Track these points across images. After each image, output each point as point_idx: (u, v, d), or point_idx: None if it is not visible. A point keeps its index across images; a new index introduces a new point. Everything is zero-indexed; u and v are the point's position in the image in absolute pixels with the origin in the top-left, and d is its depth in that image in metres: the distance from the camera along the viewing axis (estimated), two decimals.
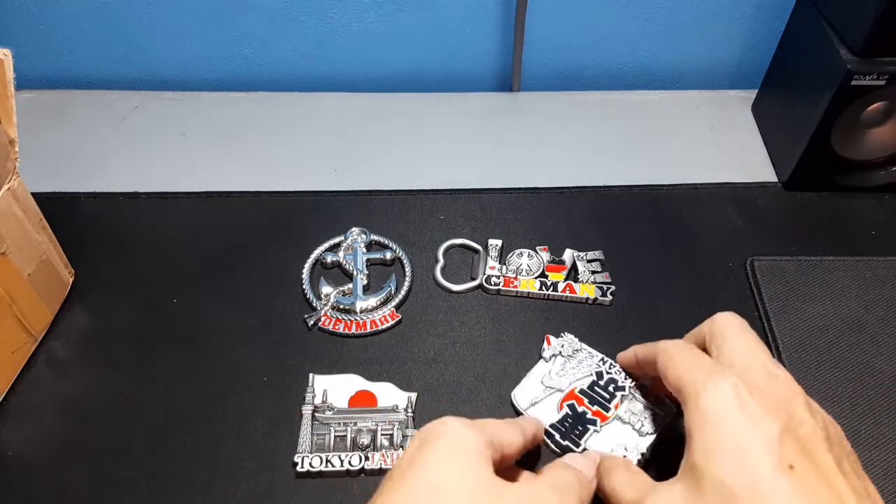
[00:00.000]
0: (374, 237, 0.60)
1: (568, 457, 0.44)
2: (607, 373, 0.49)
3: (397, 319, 0.54)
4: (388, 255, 0.59)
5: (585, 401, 0.48)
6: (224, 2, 0.71)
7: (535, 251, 0.59)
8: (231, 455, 0.47)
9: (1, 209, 0.46)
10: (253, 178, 0.65)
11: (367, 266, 0.58)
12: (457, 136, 0.71)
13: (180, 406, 0.49)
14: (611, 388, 0.48)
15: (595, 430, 0.46)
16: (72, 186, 0.64)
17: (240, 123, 0.71)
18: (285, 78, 0.78)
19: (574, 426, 0.47)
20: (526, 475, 0.39)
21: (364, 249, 0.59)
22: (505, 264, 0.58)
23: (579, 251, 0.59)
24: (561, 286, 0.56)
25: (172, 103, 0.73)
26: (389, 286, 0.57)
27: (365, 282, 0.57)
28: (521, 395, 0.49)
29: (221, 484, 0.46)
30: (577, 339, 0.52)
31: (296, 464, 0.46)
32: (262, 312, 0.55)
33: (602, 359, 0.50)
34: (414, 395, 0.50)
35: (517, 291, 0.56)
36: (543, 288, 0.56)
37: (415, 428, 0.48)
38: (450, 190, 0.64)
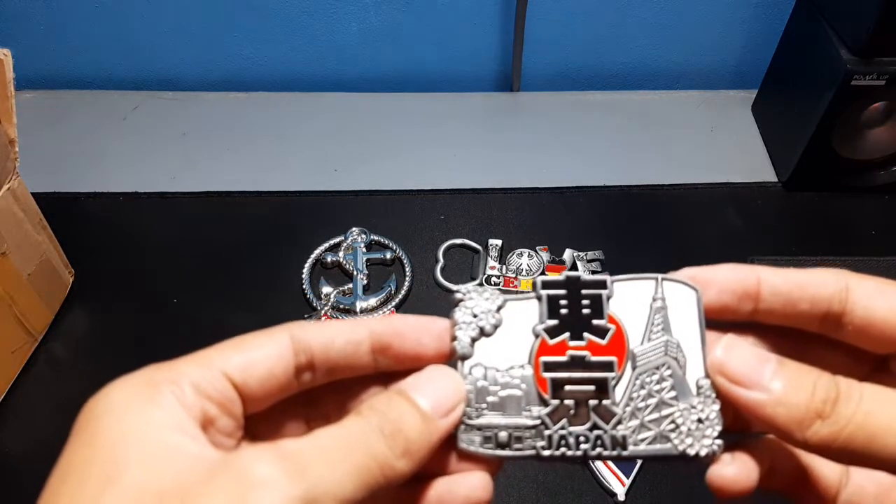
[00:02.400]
0: (374, 237, 0.60)
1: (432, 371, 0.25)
2: None
3: None
4: (388, 255, 0.59)
5: None
6: (224, 2, 0.71)
7: (535, 251, 0.59)
8: None
9: (1, 209, 0.46)
10: (253, 178, 0.65)
11: (367, 266, 0.58)
12: (457, 136, 0.71)
13: None
14: None
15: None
16: (72, 186, 0.64)
17: (240, 123, 0.71)
18: (285, 78, 0.78)
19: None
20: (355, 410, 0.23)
21: (364, 249, 0.59)
22: (505, 264, 0.58)
23: (579, 251, 0.59)
24: None
25: (172, 103, 0.73)
26: (389, 286, 0.57)
27: (365, 282, 0.57)
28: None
29: None
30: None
31: None
32: (262, 312, 0.55)
33: None
34: None
35: (517, 291, 0.56)
36: None
37: None
38: (450, 190, 0.64)
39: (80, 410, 0.22)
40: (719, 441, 0.24)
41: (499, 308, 0.26)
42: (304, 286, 0.56)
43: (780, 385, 0.22)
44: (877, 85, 0.55)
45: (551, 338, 0.26)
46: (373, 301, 0.55)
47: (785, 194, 0.65)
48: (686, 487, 0.46)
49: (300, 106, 0.73)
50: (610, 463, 0.46)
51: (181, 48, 0.75)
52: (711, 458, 0.24)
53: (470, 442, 0.24)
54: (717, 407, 0.24)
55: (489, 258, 0.58)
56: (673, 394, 0.25)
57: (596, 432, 0.25)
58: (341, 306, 0.55)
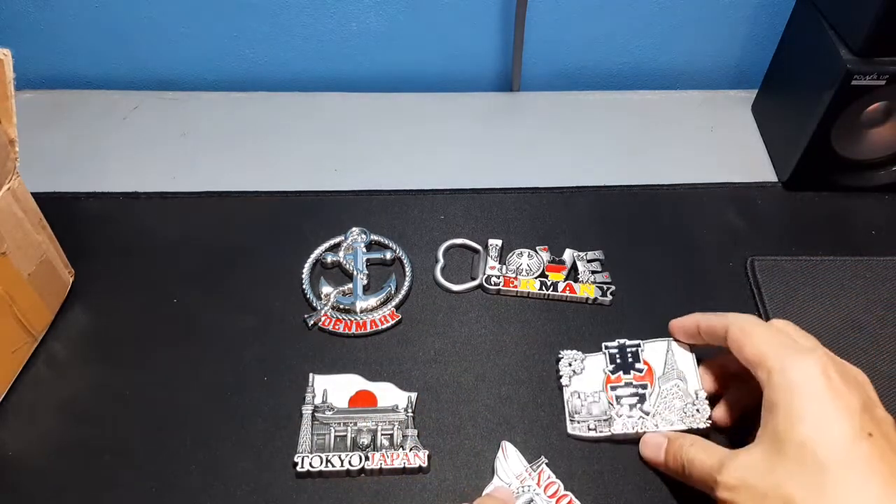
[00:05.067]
0: (374, 237, 0.60)
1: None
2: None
3: (397, 319, 0.54)
4: (388, 255, 0.59)
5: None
6: (224, 2, 0.71)
7: (535, 251, 0.59)
8: (231, 455, 0.47)
9: (1, 209, 0.46)
10: (253, 178, 0.65)
11: (367, 266, 0.58)
12: (457, 136, 0.71)
13: (180, 406, 0.49)
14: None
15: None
16: (72, 186, 0.64)
17: (240, 123, 0.71)
18: (285, 78, 0.78)
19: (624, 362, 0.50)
20: None
21: (364, 249, 0.59)
22: (505, 264, 0.58)
23: (579, 251, 0.59)
24: (561, 286, 0.56)
25: (172, 103, 0.73)
26: (389, 286, 0.57)
27: (365, 282, 0.57)
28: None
29: (221, 484, 0.46)
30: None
31: (296, 464, 0.46)
32: (262, 312, 0.55)
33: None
34: (414, 395, 0.50)
35: (517, 291, 0.56)
36: (543, 288, 0.56)
37: (414, 428, 0.48)
38: (450, 190, 0.64)
39: None
40: (709, 422, 0.47)
41: (583, 360, 0.51)
42: (304, 286, 0.56)
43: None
44: (877, 85, 0.55)
45: (613, 374, 0.50)
46: (373, 301, 0.55)
47: (785, 194, 0.65)
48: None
49: (300, 106, 0.73)
50: None
51: (181, 48, 0.75)
52: (705, 432, 0.46)
53: (574, 429, 0.48)
54: (706, 403, 0.47)
55: (489, 258, 0.58)
56: (681, 397, 0.48)
57: (641, 419, 0.47)
58: (341, 306, 0.55)
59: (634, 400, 0.48)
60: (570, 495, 0.44)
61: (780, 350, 0.40)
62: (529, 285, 0.56)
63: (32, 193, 0.50)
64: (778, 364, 0.39)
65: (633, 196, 0.64)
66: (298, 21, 0.73)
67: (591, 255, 0.58)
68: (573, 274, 0.57)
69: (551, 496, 0.44)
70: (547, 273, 0.57)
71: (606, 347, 0.51)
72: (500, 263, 0.58)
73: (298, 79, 0.78)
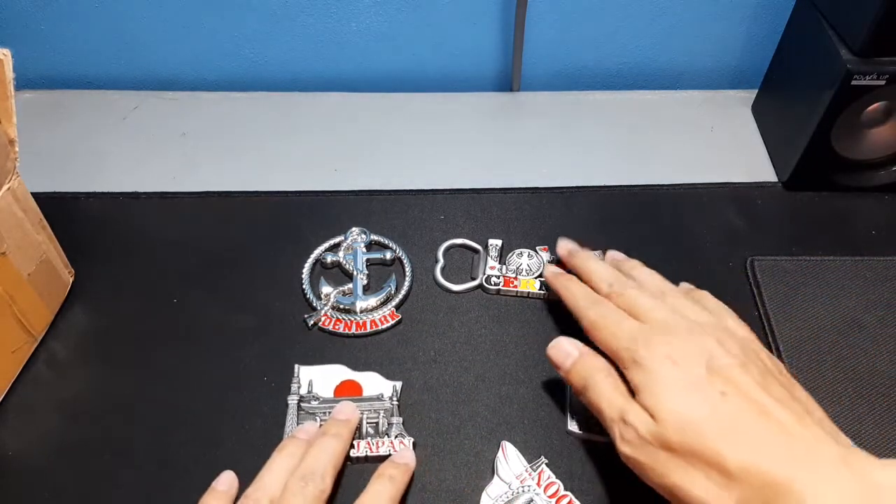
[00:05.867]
0: (374, 237, 0.60)
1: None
2: None
3: (397, 319, 0.54)
4: (388, 255, 0.59)
5: None
6: (224, 2, 0.71)
7: (535, 251, 0.59)
8: (231, 455, 0.47)
9: (1, 209, 0.46)
10: (253, 178, 0.65)
11: (367, 266, 0.58)
12: (457, 136, 0.71)
13: (180, 406, 0.49)
14: None
15: None
16: (72, 186, 0.64)
17: (240, 123, 0.71)
18: (285, 78, 0.78)
19: None
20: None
21: (364, 249, 0.59)
22: (505, 264, 0.58)
23: None
24: None
25: (172, 103, 0.73)
26: (389, 286, 0.57)
27: (365, 282, 0.57)
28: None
29: None
30: None
31: None
32: (262, 312, 0.55)
33: None
34: (399, 384, 0.50)
35: (517, 291, 0.56)
36: (543, 288, 0.56)
37: (400, 416, 0.48)
38: (450, 190, 0.64)
39: None
40: None
41: None
42: (304, 286, 0.56)
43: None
44: (877, 85, 0.55)
45: None
46: (373, 301, 0.55)
47: (785, 194, 0.65)
48: None
49: (300, 106, 0.73)
50: None
51: (181, 48, 0.75)
52: None
53: (574, 427, 0.48)
54: None
55: (489, 258, 0.58)
56: None
57: None
58: (341, 306, 0.55)
59: None
60: (570, 495, 0.44)
61: (627, 343, 0.42)
62: (529, 285, 0.56)
63: (32, 193, 0.50)
64: (629, 356, 0.41)
65: (634, 196, 0.64)
66: (298, 21, 0.73)
67: None
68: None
69: (551, 496, 0.44)
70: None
71: None
72: (500, 263, 0.58)
73: (298, 79, 0.78)
